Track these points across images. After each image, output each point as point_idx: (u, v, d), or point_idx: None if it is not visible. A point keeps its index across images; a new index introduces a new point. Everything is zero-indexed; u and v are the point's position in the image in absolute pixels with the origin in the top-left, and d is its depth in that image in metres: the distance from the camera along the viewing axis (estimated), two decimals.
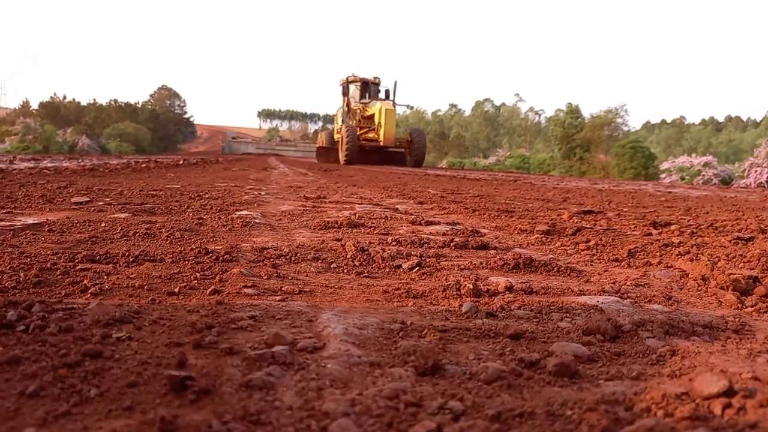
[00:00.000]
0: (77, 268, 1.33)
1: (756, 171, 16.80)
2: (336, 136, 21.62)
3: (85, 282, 1.18)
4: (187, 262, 1.46)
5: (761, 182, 16.10)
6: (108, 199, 3.03)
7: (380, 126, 18.39)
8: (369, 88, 21.02)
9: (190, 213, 2.55)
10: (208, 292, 1.17)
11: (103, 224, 2.06)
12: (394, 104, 18.90)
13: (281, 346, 0.82)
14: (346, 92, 20.86)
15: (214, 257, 1.51)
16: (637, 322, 1.00)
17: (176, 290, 1.16)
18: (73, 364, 0.72)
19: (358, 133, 18.08)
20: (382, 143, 18.26)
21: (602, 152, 24.33)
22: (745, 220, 3.03)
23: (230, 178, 5.96)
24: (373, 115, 19.42)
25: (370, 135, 19.04)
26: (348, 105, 20.43)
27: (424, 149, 19.19)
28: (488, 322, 1.02)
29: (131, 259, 1.44)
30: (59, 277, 1.24)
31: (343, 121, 20.87)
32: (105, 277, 1.25)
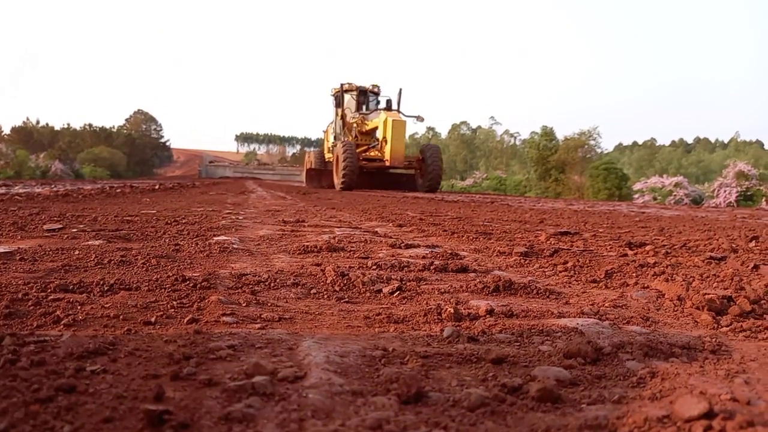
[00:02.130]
0: (50, 298, 1.29)
1: (725, 191, 17.26)
2: (327, 156, 18.11)
3: (58, 313, 1.15)
4: (163, 290, 1.43)
5: (730, 202, 16.54)
6: (82, 226, 2.98)
7: (385, 142, 14.55)
8: (367, 98, 17.30)
9: (167, 239, 2.52)
10: (185, 321, 1.14)
11: (77, 252, 2.01)
12: (402, 115, 15.09)
13: (261, 376, 0.80)
14: (339, 103, 17.07)
15: (191, 284, 1.49)
16: (617, 345, 1.01)
17: (153, 320, 1.14)
18: (46, 400, 0.70)
19: (357, 150, 14.64)
20: (388, 163, 14.56)
21: (577, 174, 24.78)
22: (717, 240, 3.09)
23: (207, 203, 5.90)
24: (373, 130, 15.92)
25: (372, 153, 15.39)
26: (343, 117, 16.72)
27: (441, 170, 15.20)
28: (470, 347, 1.02)
29: (106, 288, 1.41)
30: (31, 307, 1.20)
31: (335, 137, 17.26)
32: (79, 307, 1.22)
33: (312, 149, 21.21)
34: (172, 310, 1.24)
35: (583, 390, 0.81)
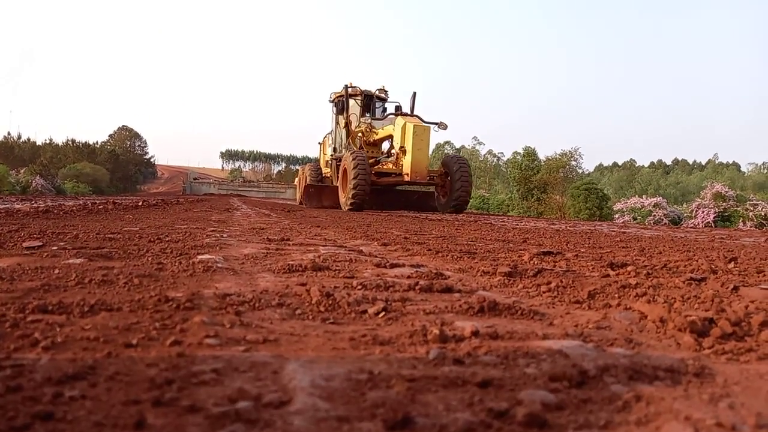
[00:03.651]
0: (28, 319, 1.26)
1: (703, 212, 17.58)
2: (324, 171, 16.03)
3: (36, 335, 1.12)
4: (146, 310, 1.41)
5: (708, 222, 16.83)
6: (62, 243, 2.93)
7: (403, 152, 12.01)
8: (373, 104, 14.89)
9: (149, 257, 2.48)
10: (168, 343, 1.12)
11: (57, 271, 1.98)
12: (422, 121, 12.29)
13: (246, 401, 0.79)
14: (341, 109, 14.72)
15: (174, 305, 1.47)
16: (602, 367, 1.01)
17: (134, 342, 1.12)
18: (22, 428, 0.68)
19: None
20: (408, 178, 11.92)
21: (558, 193, 25.09)
22: (697, 261, 3.14)
23: (191, 220, 5.85)
24: (382, 140, 13.60)
25: (387, 167, 12.82)
26: (347, 125, 14.19)
27: (470, 186, 12.44)
28: (456, 370, 1.02)
29: (86, 309, 1.38)
30: (8, 329, 1.17)
31: (335, 149, 14.99)
32: (58, 329, 1.19)
33: (307, 164, 18.05)
34: (155, 331, 1.22)
35: (569, 414, 0.81)
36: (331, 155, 15.26)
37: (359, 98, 14.72)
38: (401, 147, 12.15)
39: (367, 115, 14.72)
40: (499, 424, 0.76)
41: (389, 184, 12.90)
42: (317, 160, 17.58)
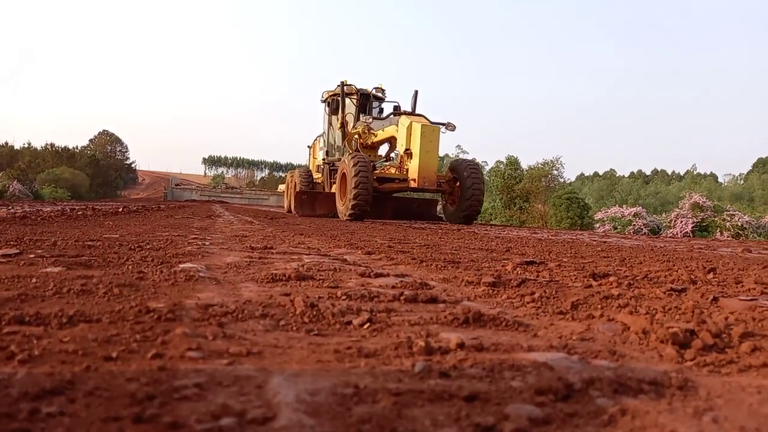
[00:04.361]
0: (4, 331, 1.23)
1: (681, 222, 17.87)
2: (316, 176, 14.83)
3: (12, 348, 1.09)
4: (126, 322, 1.38)
5: (686, 232, 17.11)
6: (40, 251, 2.87)
7: (409, 156, 10.76)
8: (370, 104, 13.66)
9: (130, 266, 2.44)
10: (149, 356, 1.10)
11: (34, 280, 1.94)
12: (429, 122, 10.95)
13: (229, 418, 0.77)
14: (336, 109, 13.48)
15: (155, 316, 1.44)
16: (587, 380, 1.02)
17: (114, 355, 1.09)
18: None
19: None
20: (415, 184, 10.67)
21: (540, 202, 25.33)
22: (677, 271, 3.18)
23: (173, 227, 5.78)
24: (383, 142, 12.37)
25: (390, 172, 11.57)
26: (343, 125, 13.05)
27: (482, 194, 11.22)
28: (442, 383, 1.01)
29: (65, 320, 1.35)
30: None
31: (327, 152, 13.86)
32: (35, 342, 1.16)
33: (296, 169, 16.56)
34: (135, 344, 1.19)
35: (555, 429, 0.81)
36: (323, 159, 14.09)
37: (355, 97, 13.41)
38: (406, 150, 10.86)
39: (361, 116, 13.30)
40: None
41: (392, 190, 11.59)
42: (307, 168, 16.33)
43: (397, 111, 12.26)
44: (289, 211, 15.69)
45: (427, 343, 1.26)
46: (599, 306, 1.94)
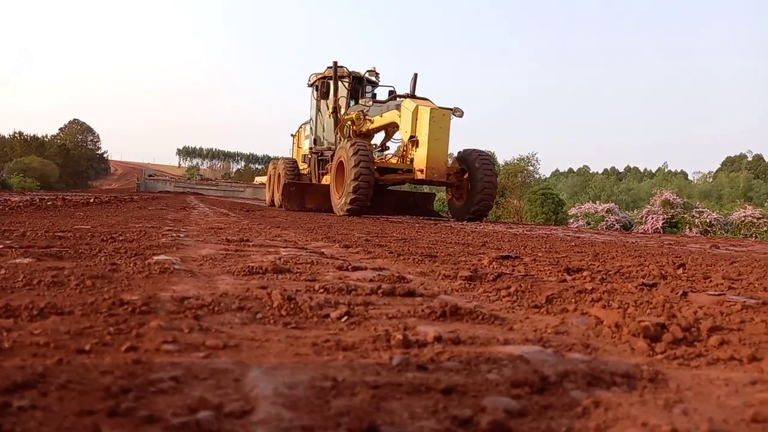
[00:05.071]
0: None
1: (652, 218, 18.25)
2: (302, 167, 13.67)
3: None
4: (99, 314, 1.36)
5: (657, 228, 17.48)
6: (8, 242, 2.79)
7: (414, 144, 9.58)
8: (363, 88, 12.53)
9: (103, 257, 2.40)
10: (123, 349, 1.09)
11: (3, 271, 1.89)
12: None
13: (206, 411, 0.77)
14: (326, 93, 12.28)
15: (129, 309, 1.42)
16: (561, 373, 1.03)
17: (87, 348, 1.07)
18: None
19: None
20: (422, 175, 9.47)
21: (516, 198, 25.58)
22: (648, 266, 3.25)
23: (146, 218, 5.69)
24: (380, 129, 11.12)
25: (391, 161, 10.71)
26: (336, 111, 11.67)
27: (495, 188, 10.14)
28: (419, 376, 1.02)
29: (35, 312, 1.32)
30: None
31: (315, 141, 12.62)
32: (5, 334, 1.14)
33: (280, 158, 15.03)
34: (109, 336, 1.17)
35: (531, 421, 0.82)
36: (311, 149, 12.88)
37: (347, 80, 12.10)
38: (412, 137, 9.56)
39: (353, 102, 12.07)
40: (463, 431, 0.76)
41: (394, 183, 10.36)
42: (293, 158, 14.87)
43: (397, 94, 10.76)
44: (272, 204, 14.65)
45: (404, 336, 1.27)
46: (573, 300, 1.98)
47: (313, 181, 12.55)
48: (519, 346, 1.29)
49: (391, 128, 11.18)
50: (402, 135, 10.15)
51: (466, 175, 10.30)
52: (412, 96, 10.19)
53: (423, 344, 1.27)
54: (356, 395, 0.90)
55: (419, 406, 0.87)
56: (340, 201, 9.65)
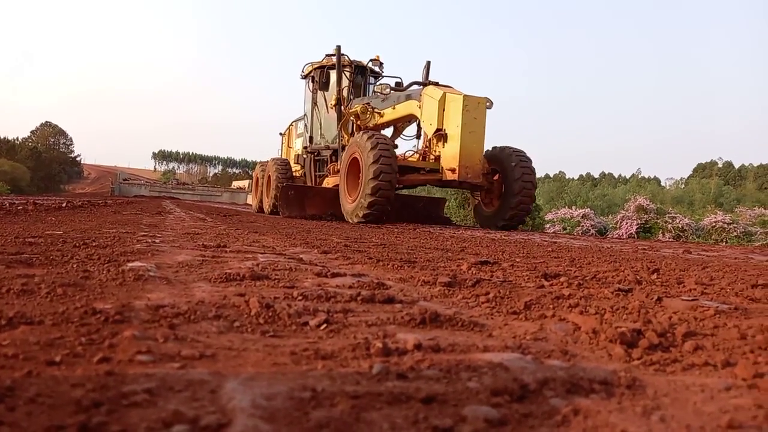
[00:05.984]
0: None
1: (627, 223, 18.58)
2: (295, 169, 12.34)
3: None
4: (70, 324, 1.32)
5: (631, 233, 17.79)
6: None
7: (440, 139, 8.13)
8: (366, 79, 11.02)
9: (74, 264, 2.34)
10: (95, 360, 1.06)
11: None
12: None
13: (182, 425, 0.75)
14: (325, 83, 10.84)
15: (102, 318, 1.38)
16: (541, 381, 1.04)
17: (58, 359, 1.04)
18: None
19: None
20: (454, 176, 7.96)
21: None
22: (623, 271, 3.30)
23: (120, 224, 5.58)
24: (391, 123, 9.63)
25: (412, 159, 8.92)
26: (339, 103, 10.14)
27: (534, 189, 8.65)
28: (399, 385, 1.01)
29: (4, 322, 1.28)
30: None
31: (311, 139, 11.29)
32: None
33: (270, 159, 13.20)
34: (81, 347, 1.14)
35: (512, 430, 0.82)
36: (305, 147, 11.52)
37: (348, 70, 10.57)
38: (438, 130, 8.04)
39: (353, 95, 10.47)
40: None
41: (417, 184, 8.90)
42: (284, 158, 13.23)
43: (413, 82, 9.36)
44: (260, 210, 13.09)
45: (384, 344, 1.26)
46: (551, 306, 1.99)
47: (308, 184, 11.33)
48: (498, 353, 1.29)
49: (402, 123, 9.84)
50: (425, 128, 8.60)
51: (496, 176, 8.86)
52: (435, 83, 8.74)
53: (403, 352, 1.26)
54: (336, 406, 0.89)
55: (399, 417, 0.86)
56: (353, 205, 8.29)
